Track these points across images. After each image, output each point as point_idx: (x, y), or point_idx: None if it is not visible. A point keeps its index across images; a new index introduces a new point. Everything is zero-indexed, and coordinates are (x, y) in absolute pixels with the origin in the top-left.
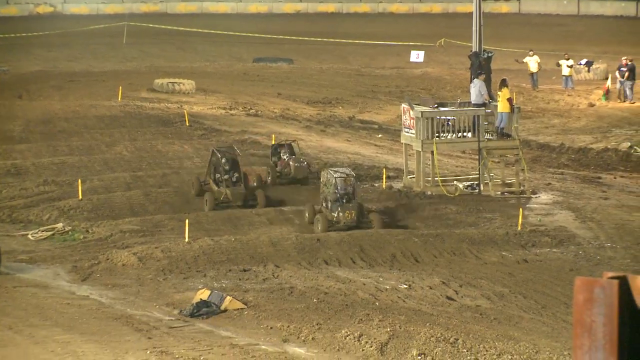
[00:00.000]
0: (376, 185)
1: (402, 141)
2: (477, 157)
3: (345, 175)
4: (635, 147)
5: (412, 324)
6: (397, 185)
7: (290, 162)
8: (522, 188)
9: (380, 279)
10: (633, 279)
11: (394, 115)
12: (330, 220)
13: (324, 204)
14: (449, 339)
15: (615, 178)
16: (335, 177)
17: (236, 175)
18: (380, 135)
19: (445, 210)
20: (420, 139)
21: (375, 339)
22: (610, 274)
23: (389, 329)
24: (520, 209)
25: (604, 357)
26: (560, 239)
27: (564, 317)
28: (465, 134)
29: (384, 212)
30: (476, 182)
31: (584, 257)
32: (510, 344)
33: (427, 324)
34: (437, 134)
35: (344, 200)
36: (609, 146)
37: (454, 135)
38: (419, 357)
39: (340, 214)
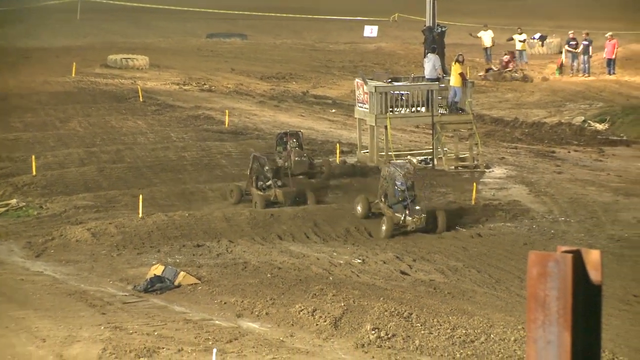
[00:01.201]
0: (330, 160)
1: (355, 116)
2: (430, 131)
3: (407, 171)
4: (589, 121)
5: (366, 298)
6: (351, 160)
7: (291, 156)
8: (475, 162)
9: (334, 254)
10: (587, 253)
11: (347, 90)
12: (397, 223)
13: (382, 199)
14: (403, 313)
15: (569, 152)
16: (398, 173)
17: (280, 181)
18: (333, 110)
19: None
20: (373, 113)
21: (329, 313)
22: (564, 248)
23: (342, 304)
24: (474, 184)
25: (557, 331)
26: (514, 213)
27: (518, 291)
28: (418, 108)
29: (340, 187)
30: (430, 157)
31: (538, 231)
32: (464, 318)
33: (381, 299)
34: (390, 109)
35: (410, 201)
36: (562, 120)
37: (408, 109)
38: (373, 332)
39: (409, 218)
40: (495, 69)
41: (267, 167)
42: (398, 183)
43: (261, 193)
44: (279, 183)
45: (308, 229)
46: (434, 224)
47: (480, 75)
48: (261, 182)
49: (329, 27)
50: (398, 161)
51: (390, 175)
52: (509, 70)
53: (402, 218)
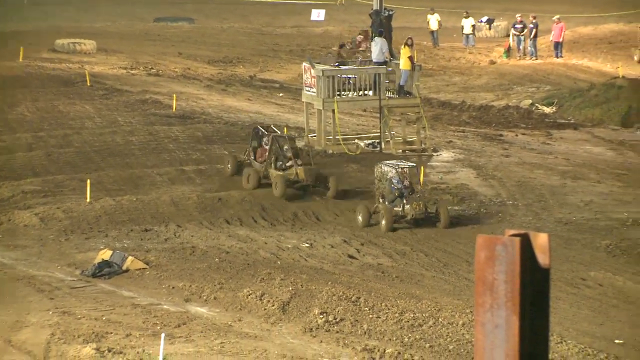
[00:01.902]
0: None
1: (303, 100)
2: (378, 115)
3: (402, 169)
4: (536, 105)
5: (314, 282)
6: (299, 144)
7: (295, 167)
8: (423, 146)
9: (282, 238)
10: (535, 236)
11: (295, 74)
12: (396, 215)
13: (381, 200)
14: (351, 297)
15: (516, 135)
16: (393, 172)
17: (300, 160)
18: (281, 94)
19: (346, 168)
20: (321, 97)
21: (277, 297)
22: (512, 232)
23: (290, 288)
24: (422, 167)
25: (505, 314)
26: (462, 196)
27: (466, 275)
28: (366, 92)
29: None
30: (377, 141)
31: (486, 215)
32: (412, 302)
33: (329, 283)
34: (338, 93)
35: (409, 193)
36: (510, 103)
37: (355, 93)
38: (321, 316)
39: (407, 206)
40: (349, 47)
41: (286, 147)
42: (394, 181)
43: (281, 173)
44: (299, 162)
45: (256, 213)
46: (435, 218)
47: (334, 50)
48: (280, 162)
49: (276, 11)
50: (389, 161)
51: (383, 175)
52: (362, 50)
53: (401, 208)
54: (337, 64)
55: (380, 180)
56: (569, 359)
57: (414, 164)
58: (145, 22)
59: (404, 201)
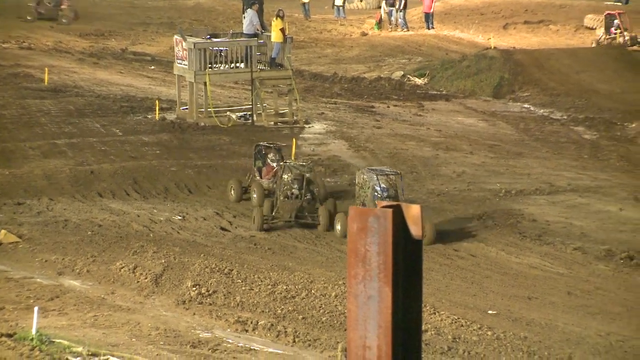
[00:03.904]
0: (149, 117)
1: (175, 72)
2: (250, 87)
3: (386, 176)
4: (408, 76)
5: (187, 255)
6: (170, 116)
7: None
8: (295, 118)
9: (155, 211)
10: (407, 208)
11: (166, 47)
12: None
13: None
14: (224, 269)
15: (388, 107)
16: (376, 179)
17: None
18: (153, 67)
19: (218, 141)
20: (193, 70)
21: (150, 270)
22: (384, 203)
23: (163, 261)
24: (294, 139)
25: (378, 286)
26: (334, 168)
27: (338, 247)
28: (238, 64)
29: (160, 144)
30: (249, 113)
31: (352, 185)
32: (285, 274)
33: (202, 255)
34: (209, 65)
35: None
36: (382, 75)
37: (227, 66)
38: (194, 288)
39: None
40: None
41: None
42: (377, 189)
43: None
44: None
45: (128, 186)
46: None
47: (30, 5)
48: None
49: None
50: (374, 167)
51: (365, 182)
52: (63, 8)
53: None
54: (208, 36)
55: (362, 188)
56: (442, 330)
57: (399, 172)
58: None
59: None
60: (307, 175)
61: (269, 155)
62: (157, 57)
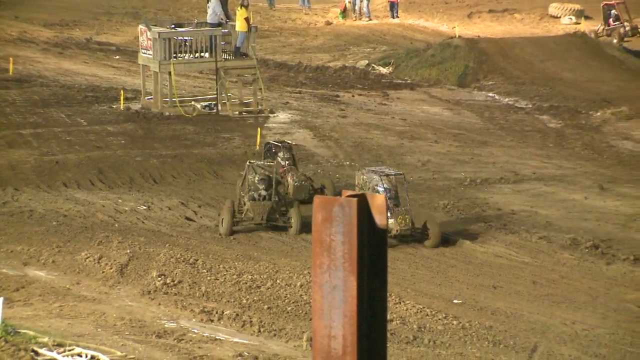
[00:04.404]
0: (114, 106)
1: (139, 62)
2: (214, 77)
3: (388, 177)
4: (373, 65)
5: (152, 245)
6: (135, 106)
7: (288, 178)
8: (260, 107)
9: (120, 201)
10: (372, 197)
11: (131, 37)
12: None
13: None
14: (189, 259)
15: (353, 96)
16: (378, 180)
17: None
18: (117, 57)
19: (183, 130)
20: (157, 59)
21: (115, 260)
22: (349, 192)
23: (128, 251)
24: (259, 129)
25: (343, 275)
26: (299, 157)
27: (303, 237)
28: (202, 54)
29: (125, 134)
30: (214, 102)
31: (323, 176)
32: (250, 264)
33: (167, 245)
34: (174, 55)
35: (393, 205)
36: (346, 64)
37: (192, 55)
38: (159, 279)
39: (391, 220)
40: None
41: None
42: (379, 190)
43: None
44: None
45: (93, 176)
46: (422, 233)
47: None
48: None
49: None
50: (375, 167)
51: (365, 182)
52: None
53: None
54: (173, 26)
55: (362, 188)
56: (407, 319)
57: (402, 173)
58: None
59: (389, 214)
60: (274, 176)
61: (279, 154)
62: (121, 46)
